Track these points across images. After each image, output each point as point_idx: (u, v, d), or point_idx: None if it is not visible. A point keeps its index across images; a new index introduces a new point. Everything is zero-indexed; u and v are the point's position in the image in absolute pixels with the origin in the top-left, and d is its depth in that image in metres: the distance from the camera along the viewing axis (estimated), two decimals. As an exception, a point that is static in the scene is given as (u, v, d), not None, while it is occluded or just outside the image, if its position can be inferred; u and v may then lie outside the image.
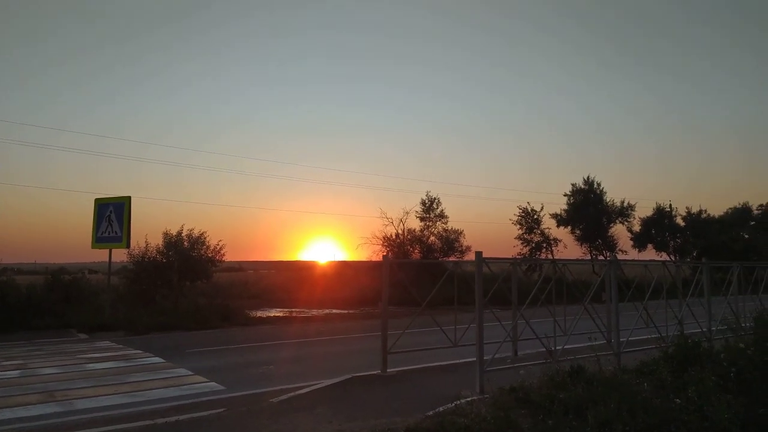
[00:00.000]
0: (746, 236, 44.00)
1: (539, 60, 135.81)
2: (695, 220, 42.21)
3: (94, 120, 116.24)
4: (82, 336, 15.47)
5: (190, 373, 9.88)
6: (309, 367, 10.59)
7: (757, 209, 46.32)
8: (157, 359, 11.34)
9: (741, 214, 45.56)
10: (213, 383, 9.05)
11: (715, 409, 5.71)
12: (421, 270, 25.36)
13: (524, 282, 22.78)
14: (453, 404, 6.66)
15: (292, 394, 8.00)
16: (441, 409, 6.58)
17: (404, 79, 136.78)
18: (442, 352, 10.35)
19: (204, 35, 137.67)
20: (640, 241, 40.74)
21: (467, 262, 11.22)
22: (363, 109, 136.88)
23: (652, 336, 10.72)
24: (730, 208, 45.76)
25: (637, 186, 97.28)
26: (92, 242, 18.42)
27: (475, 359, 10.09)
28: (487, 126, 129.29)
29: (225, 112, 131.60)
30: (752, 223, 45.67)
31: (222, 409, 7.31)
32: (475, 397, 7.03)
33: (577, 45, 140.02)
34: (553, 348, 8.46)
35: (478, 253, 7.50)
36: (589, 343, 9.31)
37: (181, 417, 6.96)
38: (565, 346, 8.67)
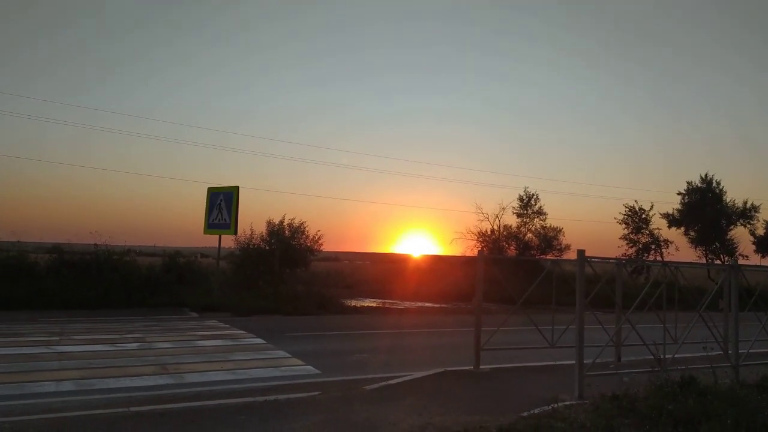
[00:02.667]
0: None
1: (647, 54, 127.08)
2: (832, 225, 37.61)
3: (214, 115, 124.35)
4: (194, 314, 16.63)
5: (289, 355, 10.30)
6: (401, 358, 10.66)
7: None
8: (259, 340, 11.94)
9: None
10: (310, 367, 9.37)
11: None
12: (517, 267, 24.70)
13: (629, 285, 21.44)
14: (550, 407, 6.41)
15: (384, 383, 8.09)
16: (536, 411, 6.37)
17: (505, 73, 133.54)
18: (537, 353, 10.02)
19: (293, 22, 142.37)
20: (764, 245, 37.03)
21: (567, 260, 10.74)
22: (460, 101, 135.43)
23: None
24: None
25: (763, 185, 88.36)
26: (204, 228, 19.72)
27: (573, 362, 9.71)
28: (592, 121, 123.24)
29: (323, 103, 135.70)
30: None
31: (317, 393, 7.54)
32: (573, 402, 6.72)
33: (702, 33, 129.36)
34: (662, 356, 7.89)
35: (580, 251, 7.15)
36: (703, 354, 8.61)
37: (280, 397, 7.26)
38: (675, 356, 8.07)
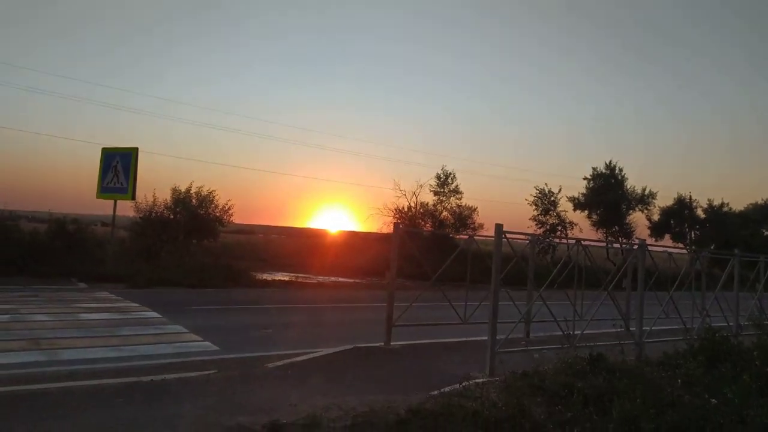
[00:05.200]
0: (766, 233, 42.91)
1: (566, 42, 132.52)
2: (716, 213, 41.02)
3: (114, 71, 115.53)
4: (82, 285, 15.15)
5: (186, 330, 9.45)
6: (310, 334, 10.11)
7: (781, 205, 45.09)
8: (153, 314, 10.93)
9: (763, 211, 44.38)
10: (208, 343, 8.61)
11: (755, 413, 5.11)
12: (432, 244, 24.78)
13: (537, 264, 21.94)
14: (460, 385, 6.12)
15: (288, 360, 7.52)
16: (447, 389, 6.05)
17: (426, 54, 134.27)
18: (449, 329, 9.81)
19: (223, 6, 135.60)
20: (657, 230, 39.80)
21: (483, 238, 10.60)
22: (383, 81, 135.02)
23: (675, 327, 10.09)
24: (751, 204, 44.53)
25: (660, 175, 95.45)
26: (97, 192, 18.01)
27: (484, 339, 9.58)
28: (509, 107, 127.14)
29: (244, 75, 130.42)
30: (775, 219, 44.52)
31: (213, 371, 6.85)
32: (484, 380, 6.48)
33: (607, 27, 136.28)
34: (571, 332, 7.86)
35: (498, 225, 6.87)
36: (609, 330, 8.73)
37: (168, 376, 6.51)
38: (584, 332, 8.07)
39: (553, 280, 8.61)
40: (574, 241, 9.03)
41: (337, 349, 8.27)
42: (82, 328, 9.14)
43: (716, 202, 41.23)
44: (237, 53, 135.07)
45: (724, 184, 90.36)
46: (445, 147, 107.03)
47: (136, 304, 11.99)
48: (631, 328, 8.92)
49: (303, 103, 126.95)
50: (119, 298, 13.00)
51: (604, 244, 32.13)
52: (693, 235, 41.08)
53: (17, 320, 9.39)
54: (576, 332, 8.00)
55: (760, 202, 44.82)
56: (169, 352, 7.90)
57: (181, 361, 7.42)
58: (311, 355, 7.85)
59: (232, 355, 7.86)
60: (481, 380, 6.46)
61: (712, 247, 38.82)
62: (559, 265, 8.57)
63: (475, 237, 9.87)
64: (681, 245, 40.59)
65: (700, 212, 41.12)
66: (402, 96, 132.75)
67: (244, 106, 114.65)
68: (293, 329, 10.58)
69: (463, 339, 9.65)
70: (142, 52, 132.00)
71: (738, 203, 51.80)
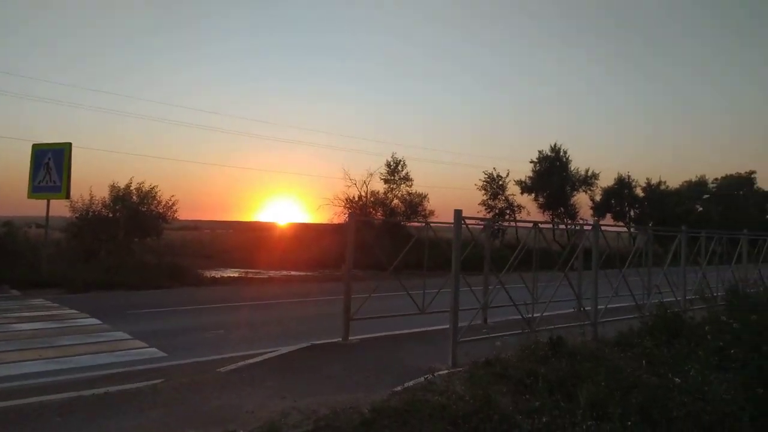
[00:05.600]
0: (700, 209, 45.15)
1: (510, 25, 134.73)
2: (653, 191, 42.73)
3: (35, 61, 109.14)
4: (15, 293, 14.14)
5: (129, 337, 8.89)
6: (263, 333, 9.73)
7: (712, 183, 47.51)
8: (92, 320, 10.26)
9: (696, 187, 46.65)
10: (153, 349, 8.11)
11: (715, 388, 5.17)
12: (384, 233, 24.63)
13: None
14: (424, 379, 5.94)
15: (241, 363, 7.14)
16: (410, 383, 5.86)
17: (372, 43, 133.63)
18: (408, 320, 9.64)
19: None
20: (599, 210, 41.10)
21: (442, 223, 10.45)
22: (329, 67, 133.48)
23: (626, 305, 10.28)
24: (686, 181, 46.71)
25: (602, 155, 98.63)
26: (28, 192, 16.81)
27: (444, 327, 9.45)
28: (458, 93, 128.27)
29: (184, 62, 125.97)
30: (706, 196, 46.86)
31: (160, 380, 6.40)
32: (448, 371, 6.32)
33: (550, 10, 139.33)
34: (531, 315, 7.82)
35: (458, 212, 6.71)
36: (562, 312, 8.78)
37: (112, 388, 6.03)
38: (543, 314, 8.06)
39: (510, 264, 8.56)
40: (531, 224, 8.99)
41: (293, 348, 7.94)
42: (15, 340, 8.43)
43: (654, 181, 43.01)
44: (179, 43, 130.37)
45: (663, 161, 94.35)
46: (395, 134, 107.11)
47: (74, 311, 11.24)
48: (585, 308, 8.98)
49: (248, 94, 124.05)
50: (55, 305, 12.18)
51: (562, 226, 32.98)
52: (632, 214, 42.73)
53: (-62, 336, 8.59)
54: (535, 315, 7.96)
55: (693, 179, 47.17)
56: (112, 362, 7.38)
57: (126, 371, 6.94)
58: (266, 356, 7.50)
59: (180, 361, 7.42)
60: (444, 372, 6.30)
61: (650, 225, 40.63)
62: (518, 249, 8.48)
63: (430, 224, 9.64)
64: (622, 224, 42.24)
65: (639, 191, 42.74)
66: (349, 84, 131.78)
67: (187, 98, 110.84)
68: (245, 329, 10.16)
69: (423, 329, 9.51)
70: (79, 42, 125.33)
71: (674, 180, 54.17)
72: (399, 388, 5.75)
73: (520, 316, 7.96)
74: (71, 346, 8.16)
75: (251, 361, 7.24)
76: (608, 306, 9.39)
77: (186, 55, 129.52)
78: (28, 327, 9.48)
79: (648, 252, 11.18)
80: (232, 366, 7.01)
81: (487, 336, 7.01)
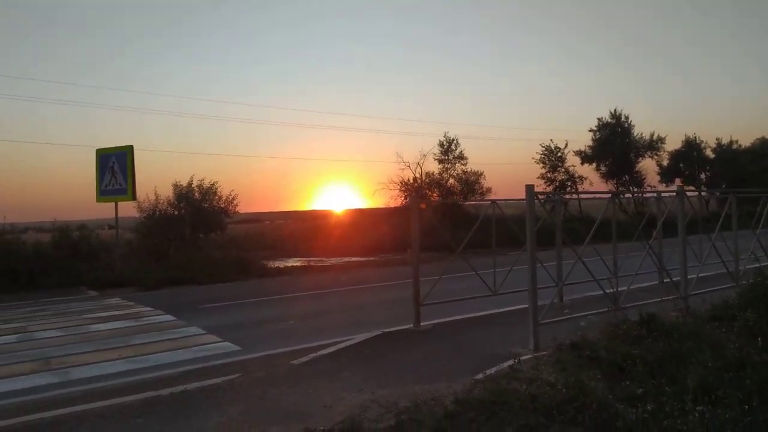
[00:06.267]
0: (776, 166, 42.13)
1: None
2: (725, 151, 40.17)
3: (94, 72, 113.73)
4: (92, 293, 14.71)
5: (203, 332, 8.98)
6: (332, 322, 9.62)
7: (789, 137, 44.08)
8: (167, 317, 10.47)
9: (770, 144, 43.48)
10: (227, 343, 8.13)
11: None
12: (442, 215, 24.20)
13: (550, 223, 21.31)
14: (506, 365, 5.61)
15: (314, 354, 7.02)
16: (492, 371, 5.54)
17: (422, 22, 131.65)
18: (479, 301, 9.29)
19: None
20: (667, 175, 39.06)
21: (506, 201, 10.03)
22: (375, 53, 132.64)
23: (712, 274, 9.52)
24: (758, 139, 43.56)
25: (668, 118, 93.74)
26: (96, 196, 17.46)
27: (518, 308, 9.09)
28: (507, 68, 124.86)
29: (233, 59, 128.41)
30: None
31: (237, 375, 6.37)
32: (530, 356, 5.96)
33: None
34: (615, 290, 7.28)
35: (529, 186, 6.27)
36: (642, 285, 8.18)
37: (189, 386, 6.03)
38: (630, 288, 7.50)
39: (590, 236, 8.00)
40: (608, 195, 8.41)
41: (366, 337, 7.76)
42: (93, 341, 8.67)
43: (725, 141, 40.42)
44: (225, 41, 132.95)
45: (733, 117, 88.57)
46: (446, 115, 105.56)
47: (149, 308, 11.53)
48: (673, 279, 8.33)
49: (298, 85, 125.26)
50: (131, 303, 12.55)
51: (641, 195, 31.44)
52: (704, 177, 40.37)
53: (25, 339, 8.93)
54: (620, 289, 7.41)
55: (767, 136, 43.90)
56: (188, 358, 7.42)
57: (202, 366, 6.95)
58: (339, 346, 7.35)
59: (254, 354, 7.37)
60: (527, 357, 5.94)
61: (723, 187, 38.21)
62: (597, 221, 7.88)
63: (496, 201, 9.21)
64: (693, 188, 39.99)
65: (709, 152, 40.33)
66: (397, 67, 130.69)
67: (236, 93, 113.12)
68: (315, 318, 10.10)
69: (497, 310, 9.13)
70: (125, 49, 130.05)
71: (746, 138, 50.61)
72: (481, 376, 5.44)
73: (601, 292, 7.45)
74: (148, 344, 8.30)
75: (324, 352, 7.12)
76: (699, 275, 8.70)
77: (235, 51, 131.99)
78: (106, 327, 9.76)
79: (734, 216, 10.32)
80: (306, 358, 6.90)
81: (570, 316, 6.57)
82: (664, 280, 10.89)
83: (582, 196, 31.13)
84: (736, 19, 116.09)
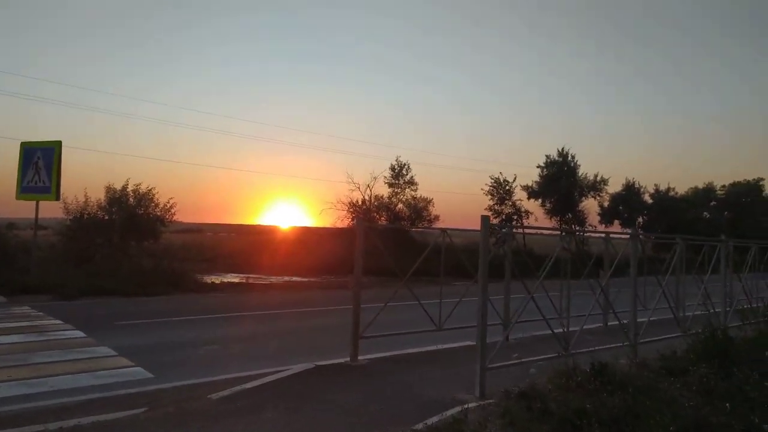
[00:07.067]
0: (708, 215, 44.27)
1: (517, 27, 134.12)
2: (662, 197, 42.03)
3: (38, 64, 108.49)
4: (1, 299, 13.29)
5: (113, 353, 8.02)
6: (262, 349, 8.86)
7: (720, 189, 46.51)
8: (77, 333, 9.39)
9: (704, 194, 45.72)
10: (139, 368, 7.24)
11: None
12: (387, 239, 23.76)
13: (496, 255, 21.14)
14: (449, 414, 5.06)
15: (236, 388, 6.27)
16: (435, 420, 4.97)
17: (373, 48, 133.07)
18: (422, 336, 8.75)
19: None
20: (607, 216, 40.29)
21: (464, 230, 9.69)
22: (331, 72, 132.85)
23: (657, 319, 9.37)
24: (691, 189, 45.82)
25: (611, 161, 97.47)
26: (16, 192, 16.00)
27: (463, 344, 8.63)
28: (462, 97, 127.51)
29: (183, 64, 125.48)
30: (713, 203, 45.92)
31: (143, 409, 5.55)
32: (475, 404, 5.43)
33: (558, 9, 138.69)
34: (565, 331, 6.90)
35: (485, 217, 5.83)
36: (588, 326, 7.89)
37: (84, 420, 5.18)
38: (583, 328, 7.15)
39: (543, 270, 7.64)
40: (558, 232, 8.12)
41: (295, 370, 7.05)
42: (-15, 356, 7.58)
43: (662, 187, 42.25)
44: (181, 46, 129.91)
45: (672, 166, 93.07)
46: (398, 138, 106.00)
47: (59, 321, 10.38)
48: (623, 321, 8.06)
49: (252, 98, 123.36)
50: (41, 314, 11.32)
51: (597, 232, 31.90)
52: (641, 220, 41.86)
53: None
54: (572, 330, 7.04)
55: (701, 186, 46.24)
56: (92, 384, 6.51)
57: (105, 396, 6.07)
58: (266, 379, 6.61)
59: (168, 384, 6.54)
60: (472, 405, 5.41)
61: (659, 232, 39.66)
62: (550, 258, 7.54)
63: (446, 231, 8.77)
64: (641, 232, 41.31)
65: (647, 197, 41.99)
66: (352, 88, 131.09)
67: (189, 101, 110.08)
68: (243, 343, 9.30)
69: (439, 347, 8.63)
70: (82, 43, 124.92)
71: (682, 185, 53.19)
72: (420, 426, 4.86)
73: (548, 332, 7.06)
74: (48, 365, 7.29)
75: (248, 385, 6.37)
76: (647, 319, 8.49)
77: (189, 57, 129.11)
78: (6, 341, 8.62)
79: (682, 262, 10.30)
80: (227, 392, 6.14)
81: (520, 361, 6.11)
82: (608, 323, 10.76)
83: (533, 231, 31.47)
84: (683, 74, 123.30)
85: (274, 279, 21.22)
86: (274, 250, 27.66)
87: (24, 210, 17.46)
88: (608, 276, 8.41)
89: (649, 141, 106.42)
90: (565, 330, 6.95)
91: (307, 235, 32.28)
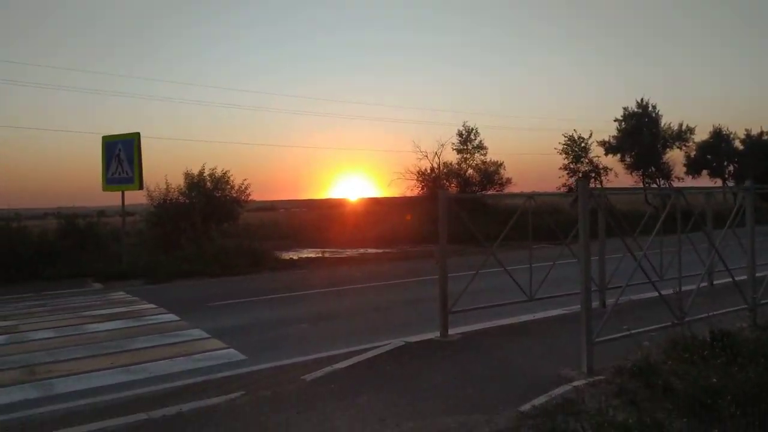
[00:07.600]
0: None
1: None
2: (755, 143, 38.61)
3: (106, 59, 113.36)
4: (97, 286, 14.05)
5: (207, 335, 8.18)
6: (348, 326, 8.78)
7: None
8: (170, 316, 9.69)
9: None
10: (232, 350, 7.32)
11: None
12: (461, 206, 23.25)
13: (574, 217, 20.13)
14: (557, 393, 4.70)
15: (328, 368, 6.18)
16: (541, 400, 4.63)
17: (442, 12, 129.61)
18: (513, 306, 8.37)
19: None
20: (694, 167, 37.71)
21: (543, 195, 9.14)
22: (395, 40, 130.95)
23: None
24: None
25: (697, 109, 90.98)
26: (102, 184, 16.79)
27: (559, 313, 8.20)
28: (528, 56, 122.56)
29: (249, 47, 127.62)
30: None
31: (239, 393, 5.55)
32: (583, 382, 5.04)
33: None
34: (678, 291, 6.28)
35: (583, 181, 5.32)
36: (688, 287, 7.18)
37: (185, 406, 5.23)
38: (684, 289, 6.52)
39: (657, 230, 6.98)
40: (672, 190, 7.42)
41: (386, 348, 6.88)
42: (88, 344, 7.91)
43: (754, 131, 38.86)
44: (237, 28, 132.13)
45: (762, 107, 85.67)
46: (465, 104, 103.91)
47: (153, 306, 10.77)
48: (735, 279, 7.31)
49: (315, 73, 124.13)
50: (135, 298, 11.83)
51: (706, 188, 30.04)
52: (732, 169, 38.92)
53: (14, 341, 8.20)
54: (687, 289, 6.39)
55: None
56: (188, 369, 6.61)
57: (202, 380, 6.13)
58: (356, 359, 6.48)
59: (261, 366, 6.55)
60: (579, 383, 5.02)
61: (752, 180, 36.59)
62: (664, 214, 6.88)
63: (537, 194, 8.34)
64: (719, 181, 38.55)
65: (738, 144, 38.86)
66: (415, 55, 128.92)
67: (250, 81, 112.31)
68: (330, 321, 9.26)
69: (534, 317, 8.21)
70: (129, 34, 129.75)
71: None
72: (527, 407, 4.54)
73: (648, 296, 6.50)
74: (146, 350, 7.52)
75: (339, 365, 6.26)
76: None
77: (249, 37, 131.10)
78: (105, 327, 9.00)
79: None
80: (319, 372, 6.05)
81: (630, 333, 5.61)
82: (714, 282, 9.94)
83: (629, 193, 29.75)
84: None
85: (349, 252, 21.33)
86: (346, 223, 27.89)
87: (112, 198, 18.32)
88: (722, 232, 7.62)
89: (736, 84, 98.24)
90: (677, 293, 6.32)
91: (378, 206, 32.30)
